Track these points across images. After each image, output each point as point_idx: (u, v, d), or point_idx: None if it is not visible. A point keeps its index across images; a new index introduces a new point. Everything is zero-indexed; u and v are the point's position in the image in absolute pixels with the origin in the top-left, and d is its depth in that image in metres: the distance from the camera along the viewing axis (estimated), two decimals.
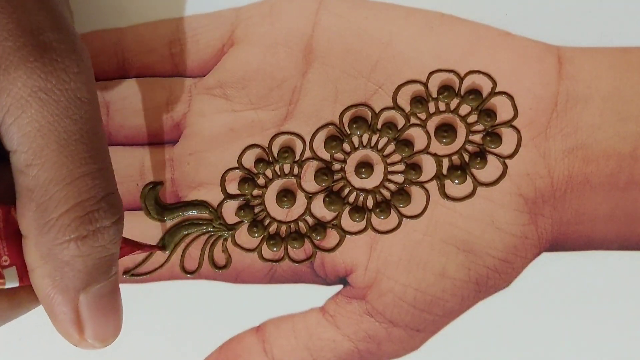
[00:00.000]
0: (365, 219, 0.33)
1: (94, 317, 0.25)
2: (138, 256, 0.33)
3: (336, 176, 0.33)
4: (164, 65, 0.33)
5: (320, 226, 0.33)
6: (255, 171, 0.33)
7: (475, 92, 0.32)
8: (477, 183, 0.33)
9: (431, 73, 0.33)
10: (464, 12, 0.32)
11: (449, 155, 0.33)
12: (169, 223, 0.33)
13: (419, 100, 0.32)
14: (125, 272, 0.33)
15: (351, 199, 0.33)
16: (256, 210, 0.33)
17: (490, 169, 0.33)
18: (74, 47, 0.25)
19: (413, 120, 0.33)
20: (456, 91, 0.33)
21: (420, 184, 0.33)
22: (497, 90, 0.33)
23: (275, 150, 0.33)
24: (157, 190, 0.32)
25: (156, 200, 0.32)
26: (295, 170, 0.33)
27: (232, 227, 0.33)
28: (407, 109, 0.33)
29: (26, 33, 0.24)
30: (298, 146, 0.33)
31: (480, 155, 0.32)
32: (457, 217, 0.32)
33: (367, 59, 0.32)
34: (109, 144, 0.32)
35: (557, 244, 0.33)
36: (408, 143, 0.33)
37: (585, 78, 0.32)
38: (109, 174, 0.25)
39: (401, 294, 0.32)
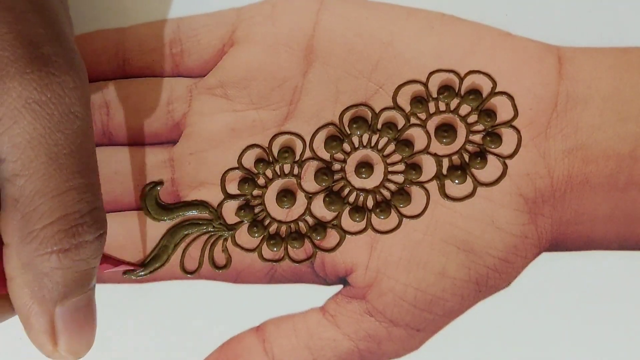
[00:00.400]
0: (365, 219, 0.33)
1: (68, 329, 0.26)
2: (140, 254, 0.33)
3: (336, 176, 0.33)
4: (165, 65, 0.33)
5: (320, 226, 0.33)
6: (256, 171, 0.33)
7: (475, 92, 0.32)
8: (477, 183, 0.33)
9: (431, 73, 0.33)
10: (464, 12, 0.32)
11: (449, 155, 0.33)
12: (169, 223, 0.33)
13: (419, 100, 0.32)
14: (126, 272, 0.33)
15: (351, 199, 0.33)
16: (256, 210, 0.33)
17: (490, 169, 0.33)
18: (72, 62, 0.25)
19: (413, 120, 0.33)
20: (456, 91, 0.33)
21: (420, 184, 0.33)
22: (497, 90, 0.33)
23: (275, 150, 0.33)
24: (157, 190, 0.32)
25: (156, 200, 0.32)
26: (296, 170, 0.33)
27: (232, 227, 0.33)
28: (407, 109, 0.33)
29: (25, 45, 0.24)
30: (298, 146, 0.33)
31: (480, 155, 0.33)
32: (457, 217, 0.33)
33: (367, 59, 0.33)
34: (109, 144, 0.32)
35: (557, 244, 0.33)
36: (408, 143, 0.33)
37: (585, 78, 0.32)
38: (95, 189, 0.26)
39: (401, 294, 0.32)
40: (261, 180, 0.33)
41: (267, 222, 0.33)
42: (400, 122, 0.33)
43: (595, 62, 0.32)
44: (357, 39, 0.32)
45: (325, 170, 0.33)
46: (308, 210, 0.33)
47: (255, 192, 0.33)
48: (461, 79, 0.33)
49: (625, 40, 0.32)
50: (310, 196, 0.33)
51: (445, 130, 0.33)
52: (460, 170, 0.32)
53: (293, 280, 0.33)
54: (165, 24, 0.33)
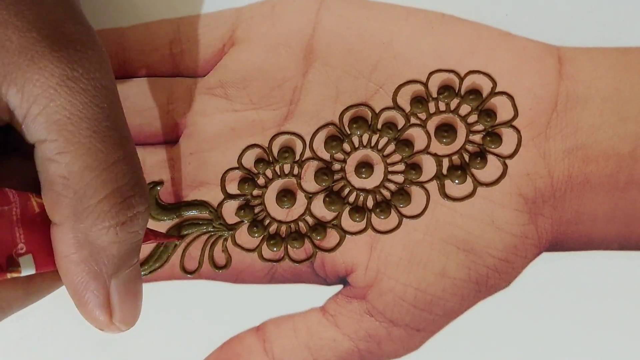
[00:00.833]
0: (365, 219, 0.33)
1: (122, 301, 0.26)
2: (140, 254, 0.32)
3: (336, 176, 0.33)
4: (165, 65, 0.33)
5: (320, 226, 0.33)
6: (255, 171, 0.33)
7: (475, 92, 0.32)
8: (477, 183, 0.33)
9: (431, 73, 0.33)
10: (464, 12, 0.32)
11: (449, 155, 0.33)
12: (169, 223, 0.33)
13: (419, 100, 0.32)
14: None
15: (351, 199, 0.33)
16: (256, 210, 0.33)
17: (490, 169, 0.33)
18: (94, 39, 0.25)
19: (413, 120, 0.33)
20: (456, 91, 0.33)
21: (420, 184, 0.33)
22: (497, 90, 0.33)
23: (275, 150, 0.33)
24: (157, 190, 0.32)
25: (156, 200, 0.32)
26: (295, 170, 0.33)
27: (232, 227, 0.33)
28: (407, 109, 0.33)
29: (47, 25, 0.24)
30: (298, 146, 0.33)
31: (480, 155, 0.33)
32: (457, 217, 0.33)
33: (367, 59, 0.33)
34: None
35: (557, 244, 0.33)
36: (408, 143, 0.33)
37: (585, 78, 0.32)
38: (137, 160, 0.26)
39: (401, 294, 0.32)
40: (261, 180, 0.33)
41: (267, 222, 0.33)
42: (400, 122, 0.33)
43: (595, 62, 0.32)
44: (356, 39, 0.32)
45: (325, 170, 0.33)
46: (308, 210, 0.33)
47: (255, 192, 0.33)
48: (461, 79, 0.33)
49: (625, 40, 0.32)
50: (310, 196, 0.33)
51: (445, 130, 0.33)
52: (460, 170, 0.32)
53: (293, 280, 0.33)
54: (165, 24, 0.33)
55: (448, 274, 0.32)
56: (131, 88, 0.32)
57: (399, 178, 0.33)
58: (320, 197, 0.33)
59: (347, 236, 0.33)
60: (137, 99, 0.32)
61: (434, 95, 0.33)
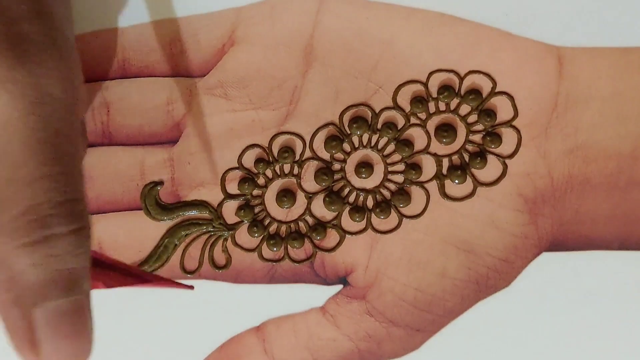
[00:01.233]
0: (365, 219, 0.33)
1: (50, 337, 0.23)
2: (140, 254, 0.33)
3: (336, 176, 0.33)
4: (164, 65, 0.33)
5: (320, 226, 0.33)
6: (255, 171, 0.33)
7: (475, 92, 0.32)
8: (477, 183, 0.33)
9: (431, 73, 0.33)
10: (464, 12, 0.32)
11: (449, 155, 0.33)
12: (169, 223, 0.33)
13: (419, 100, 0.32)
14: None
15: (351, 199, 0.33)
16: (256, 210, 0.33)
17: (490, 169, 0.33)
18: (54, 42, 0.24)
19: (413, 120, 0.33)
20: (456, 91, 0.33)
21: (420, 184, 0.33)
22: (497, 90, 0.33)
23: (275, 150, 0.33)
24: (157, 190, 0.32)
25: (156, 200, 0.32)
26: (295, 170, 0.33)
27: (232, 227, 0.33)
28: (407, 109, 0.33)
29: (2, 21, 0.23)
30: (298, 146, 0.33)
31: (480, 155, 0.33)
32: (457, 217, 0.33)
33: (367, 59, 0.32)
34: (108, 143, 0.32)
35: (557, 244, 0.33)
36: (408, 143, 0.33)
37: (586, 78, 0.32)
38: (72, 179, 0.23)
39: (401, 294, 0.32)
40: (261, 180, 0.33)
41: (267, 222, 0.33)
42: (400, 122, 0.33)
43: (595, 62, 0.32)
44: (356, 39, 0.32)
45: (325, 170, 0.33)
46: (308, 210, 0.33)
47: (255, 192, 0.33)
48: (461, 79, 0.33)
49: (625, 40, 0.32)
50: (310, 196, 0.33)
51: (445, 130, 0.32)
52: (460, 170, 0.32)
53: (293, 280, 0.33)
54: (165, 24, 0.33)
55: (448, 274, 0.32)
56: (131, 88, 0.32)
57: (399, 178, 0.33)
58: (320, 197, 0.33)
59: (347, 236, 0.33)
60: (137, 99, 0.32)
61: (434, 95, 0.33)
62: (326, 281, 0.33)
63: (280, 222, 0.33)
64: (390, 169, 0.33)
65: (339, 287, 0.33)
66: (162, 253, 0.33)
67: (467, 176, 0.33)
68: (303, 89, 0.32)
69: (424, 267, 0.32)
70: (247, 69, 0.32)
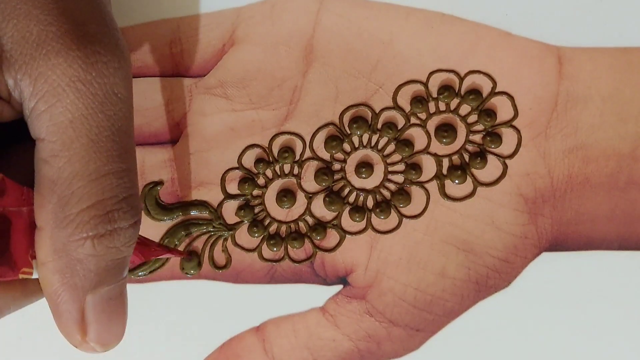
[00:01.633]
0: (365, 219, 0.33)
1: (98, 319, 0.25)
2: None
3: (336, 176, 0.33)
4: (165, 65, 0.33)
5: (320, 226, 0.33)
6: (255, 171, 0.33)
7: (475, 92, 0.32)
8: (477, 183, 0.33)
9: (431, 73, 0.33)
10: (464, 12, 0.32)
11: (449, 155, 0.33)
12: (169, 223, 0.33)
13: (419, 100, 0.32)
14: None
15: (351, 199, 0.33)
16: (256, 210, 0.33)
17: (490, 169, 0.33)
18: (117, 42, 0.25)
19: (413, 120, 0.33)
20: (456, 91, 0.33)
21: (420, 184, 0.33)
22: (497, 90, 0.33)
23: (275, 150, 0.33)
24: (157, 190, 0.32)
25: (156, 200, 0.32)
26: (295, 170, 0.33)
27: (232, 227, 0.33)
28: (407, 109, 0.33)
29: (70, 21, 0.24)
30: (298, 146, 0.33)
31: (480, 155, 0.33)
32: (457, 217, 0.33)
33: (367, 59, 0.33)
34: None
35: (557, 244, 0.33)
36: (408, 143, 0.33)
37: (585, 78, 0.32)
38: (133, 175, 0.25)
39: (401, 294, 0.32)
40: (261, 180, 0.33)
41: (267, 222, 0.33)
42: (400, 122, 0.33)
43: (595, 62, 0.32)
44: (356, 38, 0.32)
45: (325, 170, 0.33)
46: (308, 210, 0.33)
47: (255, 192, 0.33)
48: (461, 79, 0.33)
49: (625, 40, 0.32)
50: (310, 196, 0.33)
51: (445, 130, 0.32)
52: (460, 170, 0.32)
53: (293, 280, 0.33)
54: (165, 24, 0.33)
55: (448, 274, 0.32)
56: None
57: (399, 178, 0.33)
58: (320, 197, 0.33)
59: (347, 236, 0.33)
60: (137, 99, 0.32)
61: (434, 95, 0.33)
62: (326, 281, 0.33)
63: (280, 222, 0.33)
64: (390, 169, 0.33)
65: (339, 287, 0.33)
66: None
67: (467, 176, 0.33)
68: (303, 89, 0.32)
69: (423, 267, 0.32)
70: (247, 68, 0.32)
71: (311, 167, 0.33)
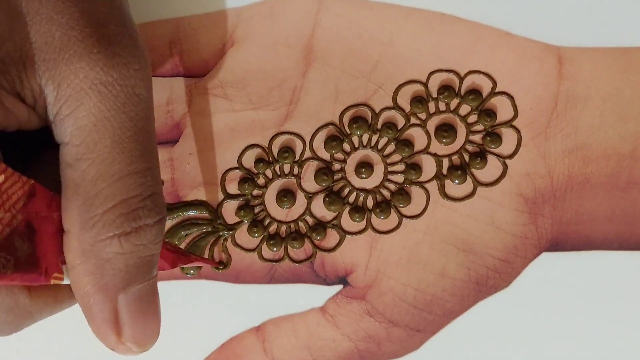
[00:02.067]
0: (365, 219, 0.33)
1: (132, 318, 0.25)
2: None
3: (336, 176, 0.33)
4: (164, 65, 0.33)
5: (320, 226, 0.33)
6: (255, 171, 0.33)
7: (475, 92, 0.32)
8: (477, 183, 0.33)
9: (431, 73, 0.33)
10: (464, 12, 0.32)
11: (449, 155, 0.33)
12: (169, 223, 0.33)
13: (419, 100, 0.32)
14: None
15: (351, 199, 0.33)
16: (256, 210, 0.33)
17: (490, 169, 0.33)
18: (137, 43, 0.25)
19: (413, 120, 0.33)
20: (456, 91, 0.33)
21: (420, 184, 0.33)
22: (497, 90, 0.33)
23: (275, 150, 0.33)
24: None
25: None
26: (295, 170, 0.33)
27: (232, 227, 0.33)
28: (407, 109, 0.33)
29: (91, 24, 0.24)
30: (298, 146, 0.33)
31: (480, 155, 0.33)
32: (457, 217, 0.33)
33: (367, 59, 0.32)
34: None
35: (557, 244, 0.33)
36: (408, 143, 0.33)
37: (585, 78, 0.32)
38: (155, 174, 0.25)
39: (401, 294, 0.32)
40: (261, 180, 0.33)
41: (267, 222, 0.33)
42: (400, 122, 0.33)
43: (595, 62, 0.32)
44: (356, 39, 0.32)
45: (325, 170, 0.33)
46: (308, 210, 0.33)
47: (255, 192, 0.33)
48: (461, 79, 0.33)
49: (625, 40, 0.32)
50: (310, 196, 0.33)
51: (445, 130, 0.32)
52: (460, 170, 0.32)
53: (293, 280, 0.33)
54: (165, 24, 0.33)
55: (448, 274, 0.32)
56: None
57: (399, 178, 0.33)
58: (320, 197, 0.33)
59: (347, 236, 0.33)
60: None
61: (434, 95, 0.33)
62: (326, 281, 0.33)
63: (280, 222, 0.33)
64: (390, 169, 0.33)
65: (339, 287, 0.33)
66: None
67: (467, 176, 0.33)
68: (303, 89, 0.32)
69: (423, 267, 0.32)
70: (247, 68, 0.32)
71: (311, 167, 0.33)
